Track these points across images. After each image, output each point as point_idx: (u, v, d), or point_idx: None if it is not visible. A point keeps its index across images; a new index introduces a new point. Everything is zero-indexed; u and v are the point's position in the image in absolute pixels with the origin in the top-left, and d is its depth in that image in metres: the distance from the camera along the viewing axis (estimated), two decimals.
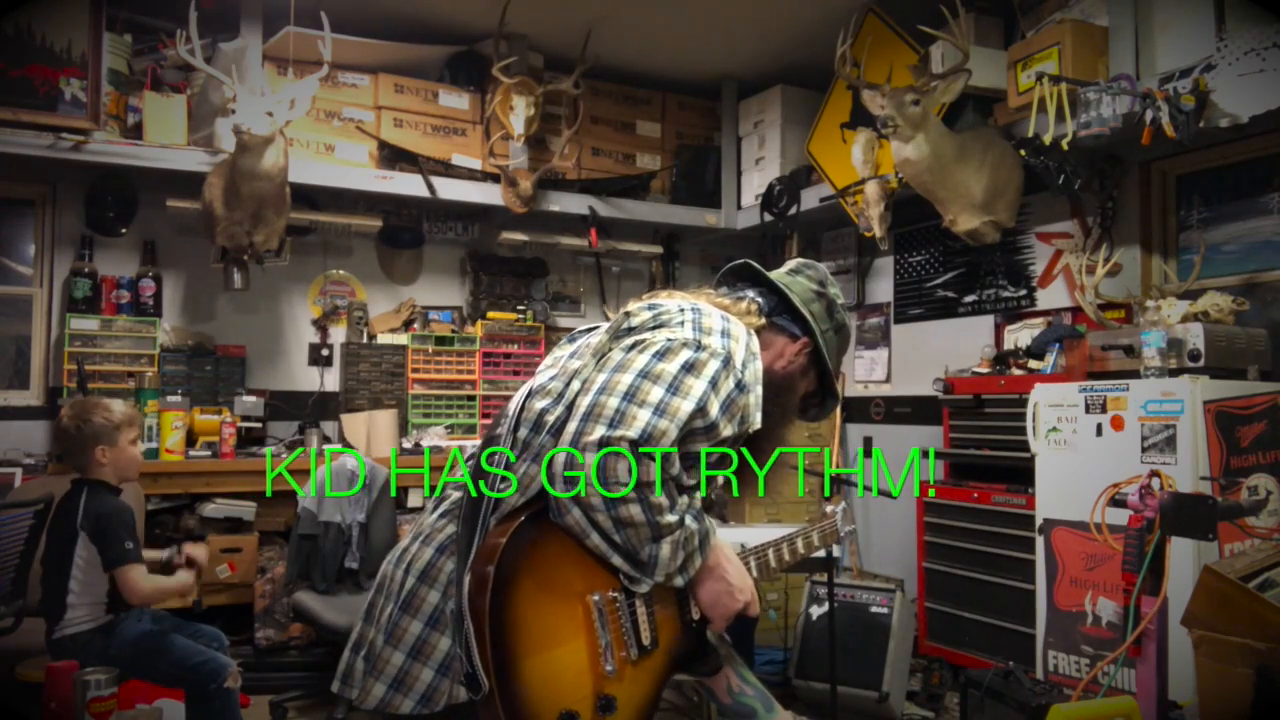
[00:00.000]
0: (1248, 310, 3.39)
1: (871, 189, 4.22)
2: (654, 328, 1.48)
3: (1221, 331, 3.25)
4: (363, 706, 1.41)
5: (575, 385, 1.45)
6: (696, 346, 1.43)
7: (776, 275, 1.74)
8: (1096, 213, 3.99)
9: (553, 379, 1.50)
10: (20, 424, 4.21)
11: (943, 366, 4.35)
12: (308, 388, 4.79)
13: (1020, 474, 3.69)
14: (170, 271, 4.52)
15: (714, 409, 1.40)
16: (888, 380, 5.13)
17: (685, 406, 1.37)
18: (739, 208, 5.37)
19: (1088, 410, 3.27)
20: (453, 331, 5.00)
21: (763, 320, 1.67)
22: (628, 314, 1.54)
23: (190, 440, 4.14)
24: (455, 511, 1.47)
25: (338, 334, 4.86)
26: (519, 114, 4.49)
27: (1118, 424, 3.17)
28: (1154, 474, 2.26)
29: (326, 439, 4.49)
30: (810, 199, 4.84)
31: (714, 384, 1.41)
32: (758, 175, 5.21)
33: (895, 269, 5.10)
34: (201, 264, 4.52)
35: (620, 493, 1.33)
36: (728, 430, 1.45)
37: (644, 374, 1.38)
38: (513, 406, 1.52)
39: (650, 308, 1.53)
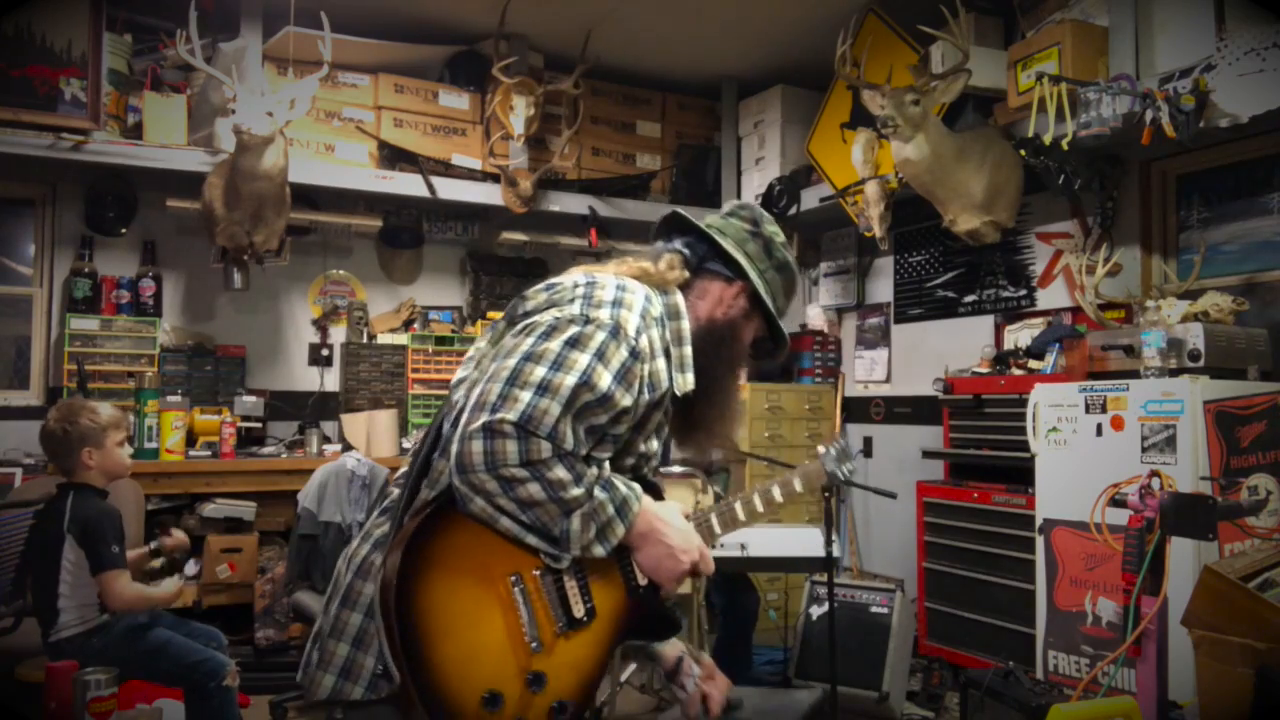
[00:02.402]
0: (1248, 310, 3.39)
1: (871, 189, 4.22)
2: (546, 308, 1.48)
3: (1221, 331, 3.25)
4: (315, 697, 1.44)
5: (476, 375, 1.47)
6: (584, 321, 1.43)
7: (709, 220, 1.71)
8: (1096, 213, 3.99)
9: (471, 368, 1.52)
10: (20, 424, 4.20)
11: (943, 366, 4.35)
12: (308, 388, 4.79)
13: (1020, 474, 3.69)
14: (170, 271, 4.52)
15: (603, 381, 1.40)
16: (888, 380, 5.13)
17: (569, 381, 1.37)
18: None
19: (1088, 410, 3.27)
20: (453, 331, 5.00)
21: (685, 274, 1.63)
22: (524, 298, 1.53)
23: (190, 440, 4.14)
24: (393, 509, 1.50)
25: (338, 334, 4.86)
26: (519, 114, 4.49)
27: (1118, 424, 3.17)
28: (1154, 474, 2.26)
29: (326, 439, 4.50)
30: (810, 199, 4.84)
31: (600, 356, 1.40)
32: (758, 175, 5.21)
33: (895, 269, 5.10)
34: (201, 264, 4.52)
35: (514, 474, 1.34)
36: (626, 400, 1.44)
37: (527, 356, 1.38)
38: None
39: (547, 288, 1.53)
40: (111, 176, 4.26)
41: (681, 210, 1.72)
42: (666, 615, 1.63)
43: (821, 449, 2.00)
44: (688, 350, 1.56)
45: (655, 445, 1.60)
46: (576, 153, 5.02)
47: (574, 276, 1.54)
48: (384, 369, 4.74)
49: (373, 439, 4.50)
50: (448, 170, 4.65)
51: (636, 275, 1.58)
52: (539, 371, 1.36)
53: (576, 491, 1.39)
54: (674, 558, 1.53)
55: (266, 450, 4.36)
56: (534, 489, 1.35)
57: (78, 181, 4.29)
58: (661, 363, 1.51)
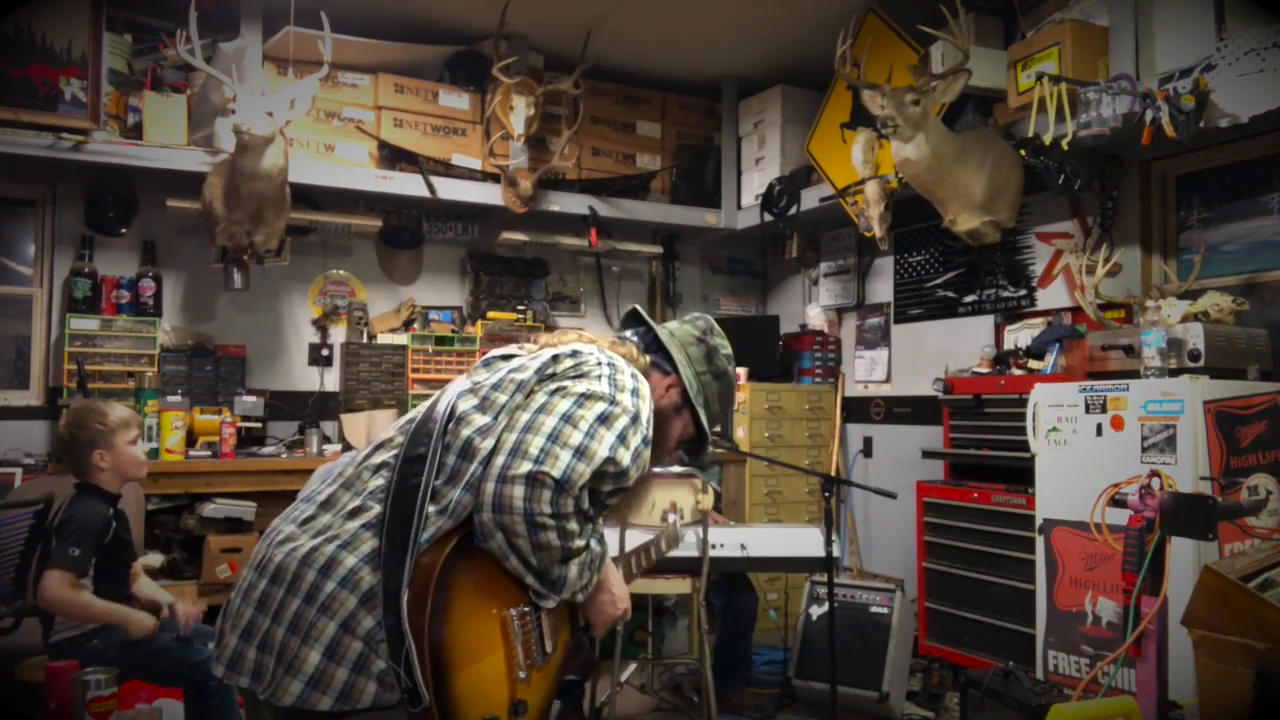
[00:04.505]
0: (1248, 310, 3.39)
1: (871, 189, 4.22)
2: (575, 376, 1.64)
3: (1221, 331, 3.25)
4: (279, 703, 1.45)
5: (503, 420, 1.59)
6: (610, 401, 1.60)
7: (669, 322, 1.93)
8: (1096, 213, 3.99)
9: (477, 408, 1.61)
10: (20, 424, 4.20)
11: (943, 366, 4.35)
12: (308, 388, 4.79)
13: (1020, 474, 3.69)
14: (170, 271, 4.51)
15: (623, 460, 1.57)
16: (888, 380, 5.13)
17: (601, 452, 1.54)
18: (739, 208, 5.37)
19: (1088, 410, 3.27)
20: (453, 331, 5.00)
21: (646, 360, 1.83)
22: (555, 358, 1.67)
23: (190, 440, 4.14)
24: (379, 525, 1.53)
25: (338, 334, 4.86)
26: (519, 114, 4.49)
27: (1118, 424, 3.17)
28: (1154, 474, 2.26)
29: (326, 439, 4.49)
30: (810, 199, 4.84)
31: (622, 438, 1.58)
32: (758, 175, 5.21)
33: (895, 269, 5.10)
34: (201, 264, 4.52)
35: (543, 522, 1.49)
36: (633, 477, 1.63)
37: (565, 418, 1.55)
38: (433, 427, 1.61)
39: (573, 354, 1.68)
40: (111, 176, 4.26)
41: (639, 308, 1.96)
42: (592, 653, 1.85)
43: (671, 518, 2.60)
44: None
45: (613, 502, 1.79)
46: (576, 153, 5.02)
47: (593, 351, 1.69)
48: (384, 369, 4.74)
49: (372, 439, 4.49)
50: (448, 170, 4.64)
51: (623, 356, 1.75)
52: (576, 436, 1.53)
53: (580, 543, 1.57)
54: (614, 604, 1.77)
55: (266, 450, 4.35)
56: (551, 536, 1.51)
57: (78, 181, 4.29)
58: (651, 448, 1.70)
